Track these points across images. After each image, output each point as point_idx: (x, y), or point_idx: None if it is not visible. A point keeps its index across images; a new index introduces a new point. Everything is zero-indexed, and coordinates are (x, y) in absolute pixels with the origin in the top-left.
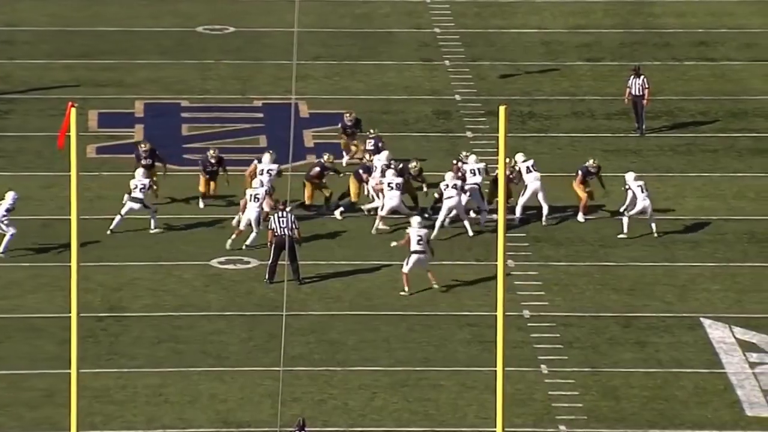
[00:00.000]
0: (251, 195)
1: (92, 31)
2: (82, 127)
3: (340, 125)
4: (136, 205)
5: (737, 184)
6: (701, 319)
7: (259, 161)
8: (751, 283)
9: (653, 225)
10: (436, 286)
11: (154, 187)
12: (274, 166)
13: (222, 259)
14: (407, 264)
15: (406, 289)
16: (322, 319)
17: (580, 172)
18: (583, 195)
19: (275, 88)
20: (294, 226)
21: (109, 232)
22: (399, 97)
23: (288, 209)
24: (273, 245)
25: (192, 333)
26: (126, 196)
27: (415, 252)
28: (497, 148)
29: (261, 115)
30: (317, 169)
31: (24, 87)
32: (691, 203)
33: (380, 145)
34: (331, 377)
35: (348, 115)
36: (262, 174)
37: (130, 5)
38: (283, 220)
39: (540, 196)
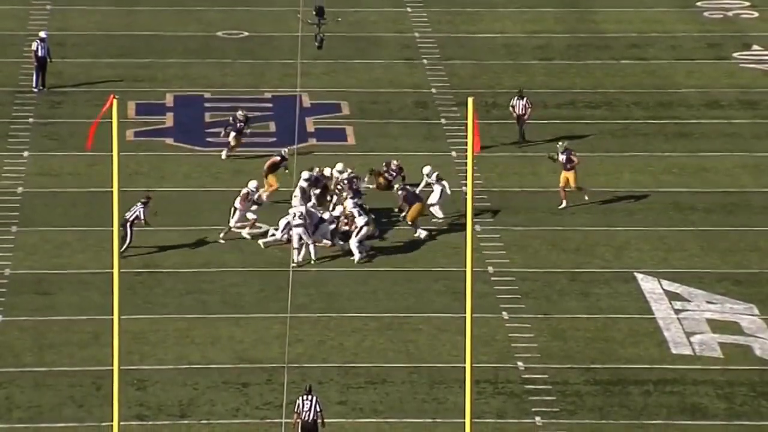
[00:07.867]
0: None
1: (130, 36)
2: (122, 114)
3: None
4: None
5: (664, 162)
6: (635, 273)
7: None
8: (675, 244)
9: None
10: None
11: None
12: None
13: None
14: None
15: None
16: (322, 274)
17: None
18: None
19: (282, 82)
20: None
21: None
22: (385, 90)
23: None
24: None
25: (214, 286)
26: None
27: None
28: (466, 132)
29: (270, 105)
30: (277, 158)
31: (74, 82)
32: (627, 178)
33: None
34: (329, 322)
35: (395, 161)
36: None
37: (161, 14)
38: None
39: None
